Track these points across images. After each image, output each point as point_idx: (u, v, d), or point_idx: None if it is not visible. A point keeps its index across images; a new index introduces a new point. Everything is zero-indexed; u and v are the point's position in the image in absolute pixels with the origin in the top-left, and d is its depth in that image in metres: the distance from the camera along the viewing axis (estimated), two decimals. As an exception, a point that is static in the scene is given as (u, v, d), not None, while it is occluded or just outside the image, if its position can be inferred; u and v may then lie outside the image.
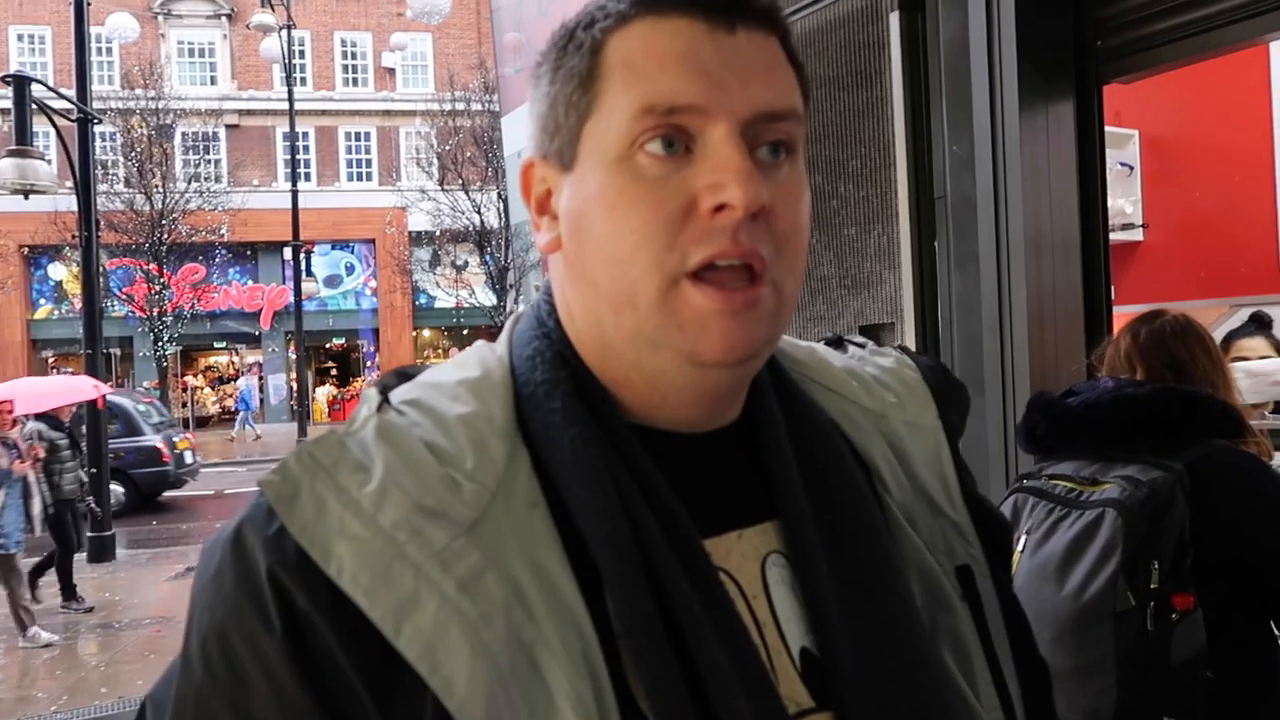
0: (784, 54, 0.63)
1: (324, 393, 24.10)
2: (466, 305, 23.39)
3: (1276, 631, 1.63)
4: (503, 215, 19.02)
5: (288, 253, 20.84)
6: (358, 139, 25.36)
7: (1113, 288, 2.59)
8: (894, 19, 2.63)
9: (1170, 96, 4.14)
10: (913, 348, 2.51)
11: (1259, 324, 3.06)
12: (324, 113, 24.93)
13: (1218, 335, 3.14)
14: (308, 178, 23.94)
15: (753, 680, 0.57)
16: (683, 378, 0.62)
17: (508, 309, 19.52)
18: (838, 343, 0.81)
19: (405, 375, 0.67)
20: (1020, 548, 1.62)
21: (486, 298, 21.89)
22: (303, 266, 19.24)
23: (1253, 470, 1.59)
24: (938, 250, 2.49)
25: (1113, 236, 3.68)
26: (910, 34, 2.60)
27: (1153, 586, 1.48)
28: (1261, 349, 2.99)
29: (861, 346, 0.81)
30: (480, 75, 20.80)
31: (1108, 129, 3.59)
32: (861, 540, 0.66)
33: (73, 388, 9.09)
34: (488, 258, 21.01)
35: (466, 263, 23.20)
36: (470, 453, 0.59)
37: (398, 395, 0.63)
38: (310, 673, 0.54)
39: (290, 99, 19.00)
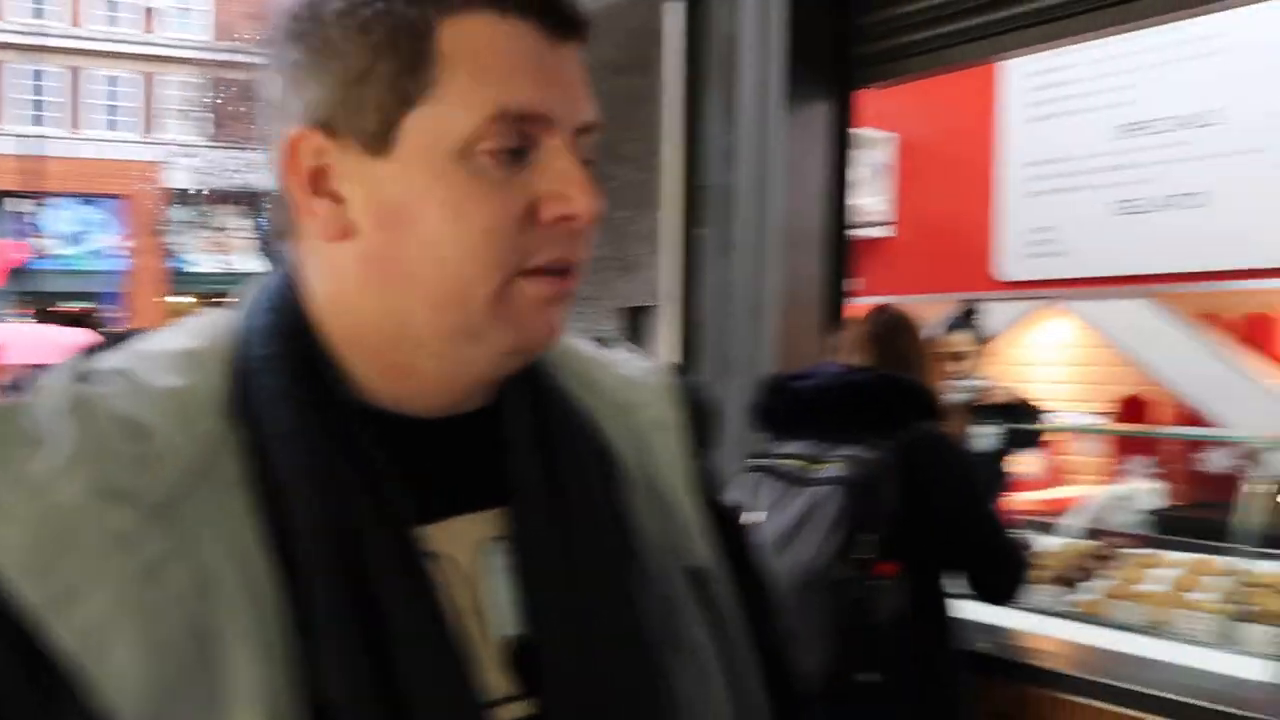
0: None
1: (65, 360, 21.87)
2: (230, 271, 21.93)
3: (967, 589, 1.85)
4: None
5: (15, 205, 18.73)
6: (113, 84, 23.08)
7: (861, 280, 2.79)
8: (671, 9, 2.70)
9: (923, 104, 4.50)
10: (674, 331, 2.61)
11: (965, 316, 3.39)
12: (75, 51, 22.50)
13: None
14: (49, 122, 21.56)
15: (447, 668, 0.57)
16: (489, 369, 0.63)
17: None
18: (601, 342, 0.81)
19: (118, 340, 0.62)
20: (753, 524, 1.74)
21: (253, 265, 20.62)
22: (40, 221, 17.32)
23: (952, 450, 1.81)
24: (701, 237, 2.59)
25: (864, 232, 3.97)
26: (687, 25, 2.68)
27: (867, 557, 1.64)
28: (966, 343, 3.31)
29: (626, 349, 0.82)
30: (258, 26, 19.47)
31: (867, 131, 3.87)
32: (592, 529, 0.66)
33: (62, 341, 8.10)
34: (258, 221, 19.78)
35: (233, 226, 21.76)
36: (172, 429, 0.56)
37: (104, 363, 0.59)
38: None
39: (33, 33, 16.97)
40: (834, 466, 1.70)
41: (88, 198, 22.56)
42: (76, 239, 22.68)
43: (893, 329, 1.94)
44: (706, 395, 0.82)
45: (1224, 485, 3.83)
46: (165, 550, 0.53)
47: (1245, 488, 2.25)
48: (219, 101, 19.95)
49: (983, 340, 3.37)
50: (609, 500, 0.68)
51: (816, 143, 2.64)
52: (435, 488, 0.63)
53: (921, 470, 1.72)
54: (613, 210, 2.76)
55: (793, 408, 1.82)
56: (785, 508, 1.71)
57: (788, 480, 1.74)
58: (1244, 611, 1.99)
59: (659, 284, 2.63)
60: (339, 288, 0.62)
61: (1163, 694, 1.79)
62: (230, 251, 21.76)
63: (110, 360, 0.59)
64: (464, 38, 0.58)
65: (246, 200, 19.77)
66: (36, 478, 0.52)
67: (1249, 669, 1.86)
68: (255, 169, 19.17)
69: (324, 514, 0.56)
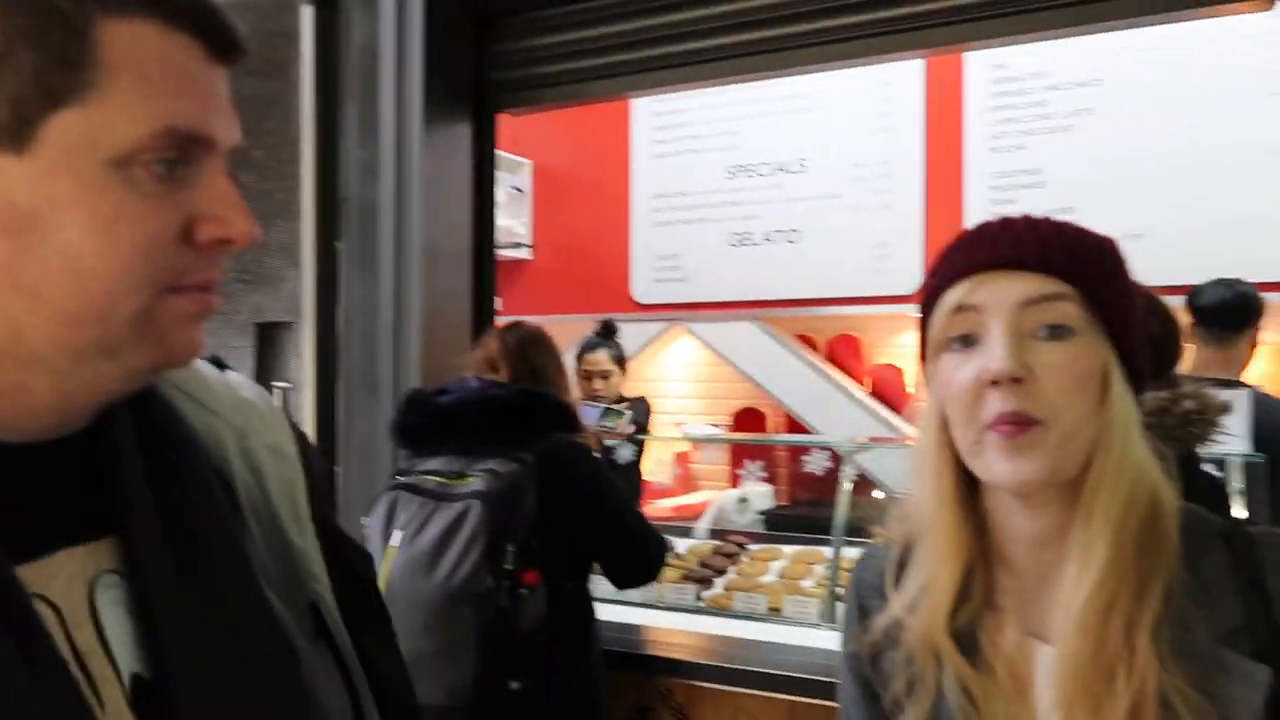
0: None
1: None
2: None
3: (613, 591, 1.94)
4: None
5: None
6: None
7: (501, 299, 2.83)
8: (306, 13, 2.58)
9: (561, 132, 4.69)
10: (311, 346, 2.47)
11: (603, 335, 3.51)
12: None
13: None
14: None
15: (65, 717, 0.52)
16: (118, 387, 0.59)
17: None
18: (215, 363, 0.77)
19: None
20: (395, 543, 1.71)
21: None
22: None
23: (585, 460, 1.90)
24: (341, 251, 2.48)
25: (503, 253, 4.05)
26: (322, 31, 2.57)
27: (508, 567, 1.67)
28: (604, 362, 3.45)
29: (235, 372, 0.78)
30: None
31: (504, 155, 3.94)
32: (215, 556, 0.62)
33: None
34: None
35: None
36: None
37: None
38: None
39: None
40: (475, 481, 1.72)
41: None
42: None
43: (526, 344, 2.01)
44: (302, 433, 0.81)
45: (824, 483, 4.39)
46: None
47: (839, 485, 2.58)
48: None
49: (622, 359, 3.52)
50: (230, 525, 0.65)
51: (458, 161, 2.65)
52: (32, 521, 0.56)
53: (559, 480, 1.79)
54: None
55: (432, 424, 1.82)
56: (429, 524, 1.70)
57: (430, 497, 1.73)
58: (837, 593, 2.29)
59: (299, 299, 2.48)
60: None
61: (776, 671, 2.00)
62: None
63: None
64: (131, 44, 0.55)
65: None
66: None
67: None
68: None
69: None
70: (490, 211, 2.71)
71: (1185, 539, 0.83)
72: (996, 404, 0.80)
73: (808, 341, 4.53)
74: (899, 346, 4.39)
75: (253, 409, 0.73)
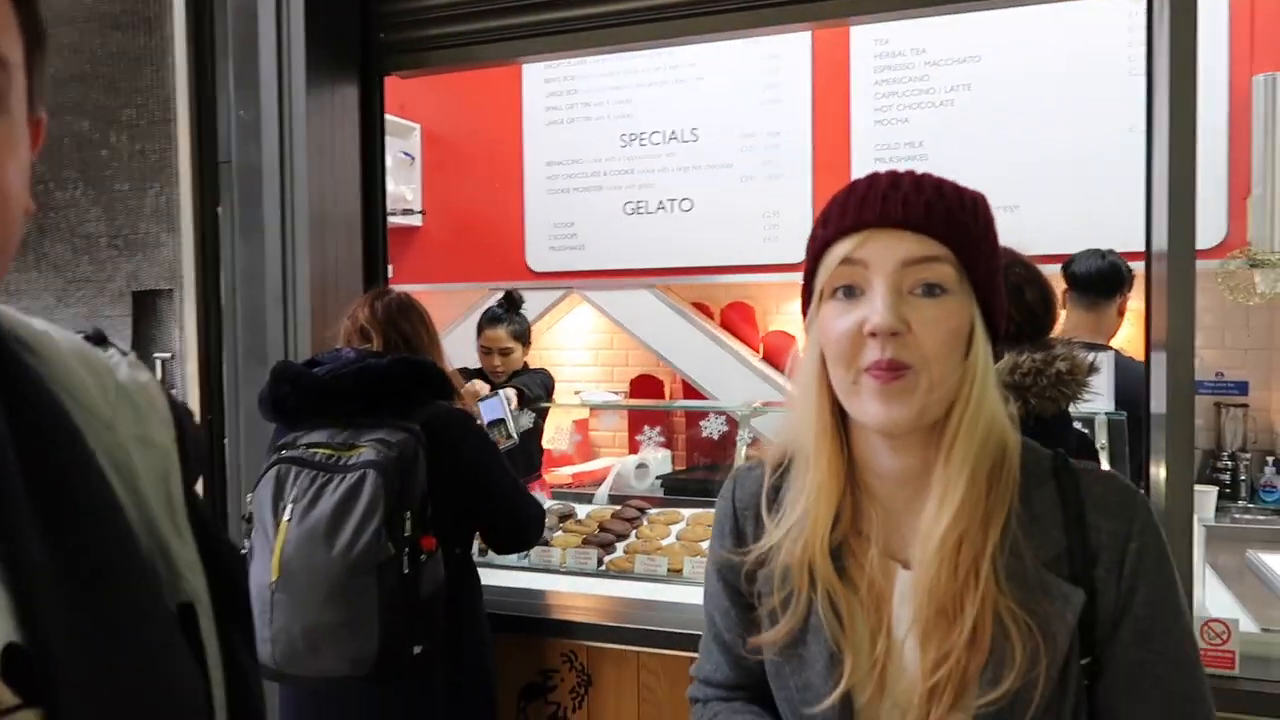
0: None
1: None
2: None
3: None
4: None
5: None
6: None
7: (391, 266, 2.77)
8: (178, -38, 2.44)
9: (450, 97, 4.59)
10: (194, 315, 2.37)
11: (505, 307, 3.39)
12: None
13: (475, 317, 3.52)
14: None
15: None
16: None
17: None
18: (100, 340, 0.72)
19: None
20: (287, 517, 1.68)
21: None
22: None
23: (466, 426, 1.92)
24: (222, 216, 2.38)
25: (394, 219, 3.95)
26: (195, -15, 2.44)
27: (406, 535, 1.67)
28: (504, 339, 3.36)
29: (124, 355, 0.72)
30: None
31: (393, 119, 3.83)
32: (92, 523, 0.60)
33: None
34: None
35: None
36: None
37: None
38: None
39: None
40: (367, 451, 1.71)
41: None
42: None
43: (395, 311, 1.99)
44: (188, 416, 0.77)
45: (721, 447, 4.47)
46: None
47: (736, 448, 2.64)
48: None
49: (524, 334, 3.43)
50: (107, 492, 0.62)
51: (346, 124, 2.56)
52: None
53: (444, 448, 1.80)
54: (114, 181, 2.44)
55: (310, 396, 1.78)
56: (322, 497, 1.68)
57: (320, 469, 1.70)
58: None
59: (176, 266, 2.37)
60: None
61: (677, 630, 2.04)
62: None
63: None
64: None
65: None
66: None
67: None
68: None
69: None
70: (381, 176, 2.64)
71: (1023, 475, 0.92)
72: (874, 351, 0.86)
73: (703, 309, 4.59)
74: (791, 314, 4.48)
75: (125, 396, 0.69)
